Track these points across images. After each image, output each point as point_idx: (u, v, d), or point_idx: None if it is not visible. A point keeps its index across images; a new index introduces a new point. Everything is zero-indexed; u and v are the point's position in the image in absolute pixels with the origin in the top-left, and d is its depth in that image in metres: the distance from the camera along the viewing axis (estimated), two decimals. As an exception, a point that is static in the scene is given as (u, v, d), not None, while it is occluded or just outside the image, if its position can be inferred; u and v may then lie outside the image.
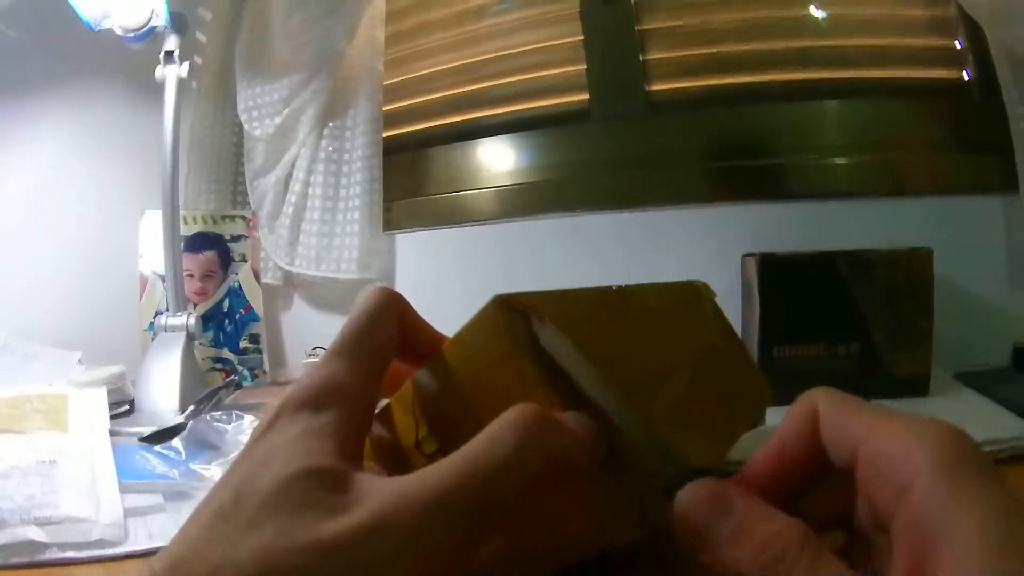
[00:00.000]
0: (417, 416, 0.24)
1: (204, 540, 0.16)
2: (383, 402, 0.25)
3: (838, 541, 0.18)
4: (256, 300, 0.96)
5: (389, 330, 0.23)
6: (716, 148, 0.87)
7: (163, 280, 0.89)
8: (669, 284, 0.33)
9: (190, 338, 0.79)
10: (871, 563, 0.16)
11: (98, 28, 0.76)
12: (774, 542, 0.15)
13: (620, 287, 0.28)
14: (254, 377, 0.95)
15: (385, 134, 0.96)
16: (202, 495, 0.20)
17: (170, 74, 0.78)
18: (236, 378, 0.92)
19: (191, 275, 0.94)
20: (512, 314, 0.22)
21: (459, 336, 0.23)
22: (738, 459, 0.25)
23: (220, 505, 0.17)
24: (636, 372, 0.24)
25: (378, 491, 0.17)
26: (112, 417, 0.61)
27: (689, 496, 0.17)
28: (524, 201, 0.92)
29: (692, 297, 0.34)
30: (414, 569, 0.16)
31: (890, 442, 0.15)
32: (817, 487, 0.19)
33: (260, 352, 0.96)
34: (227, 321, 0.95)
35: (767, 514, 0.16)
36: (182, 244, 0.85)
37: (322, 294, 1.00)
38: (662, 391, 0.25)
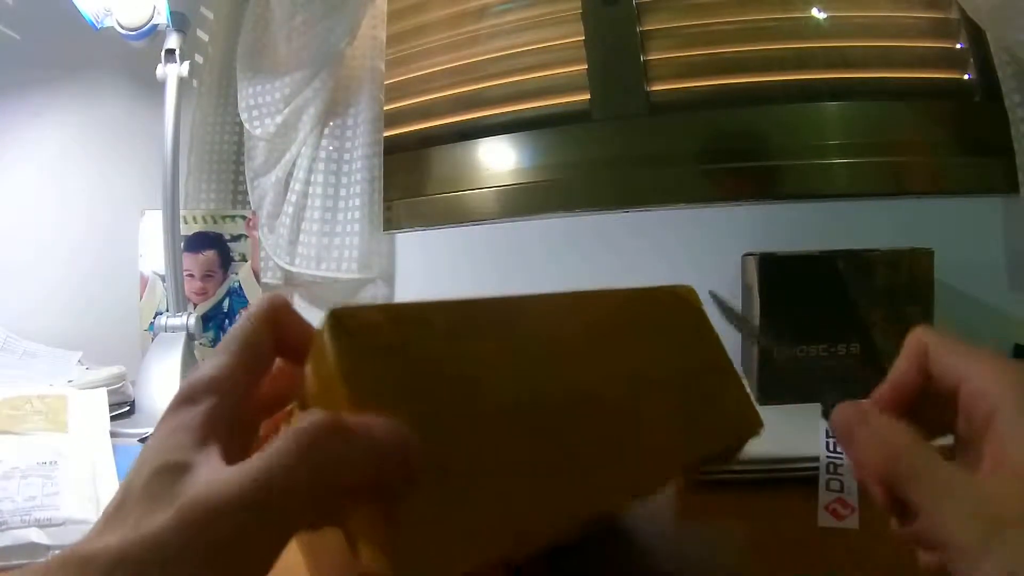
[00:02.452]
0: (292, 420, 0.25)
1: (96, 533, 0.19)
2: None
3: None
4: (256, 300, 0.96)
5: (262, 330, 0.25)
6: (716, 149, 0.87)
7: (163, 280, 0.89)
8: (648, 289, 0.30)
9: (190, 338, 0.78)
10: (968, 456, 0.23)
11: (100, 26, 0.76)
12: (896, 444, 0.22)
13: (578, 292, 0.27)
14: (254, 377, 0.95)
15: (385, 134, 0.96)
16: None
17: (171, 73, 0.78)
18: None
19: (191, 275, 0.94)
20: (339, 331, 0.22)
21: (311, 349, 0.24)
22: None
23: (115, 502, 0.20)
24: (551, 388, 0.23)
25: (193, 488, 0.19)
26: (112, 418, 0.61)
27: (840, 412, 0.24)
28: (524, 201, 0.92)
29: (673, 306, 0.31)
30: (213, 563, 0.18)
31: (983, 382, 0.22)
32: (931, 404, 0.25)
33: (260, 352, 0.96)
34: (227, 321, 0.95)
35: (892, 424, 0.23)
36: (182, 244, 0.85)
37: (322, 294, 1.00)
38: (585, 415, 0.24)
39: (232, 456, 0.20)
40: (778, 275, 0.67)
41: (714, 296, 0.33)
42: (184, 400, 0.22)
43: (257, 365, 0.25)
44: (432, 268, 0.97)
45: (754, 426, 0.33)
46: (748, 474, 0.43)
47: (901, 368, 0.26)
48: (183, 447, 0.20)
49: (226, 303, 0.96)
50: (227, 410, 0.22)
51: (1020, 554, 0.18)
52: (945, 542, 0.20)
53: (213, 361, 0.24)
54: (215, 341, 0.95)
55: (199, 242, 0.95)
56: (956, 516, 0.20)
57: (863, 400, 0.25)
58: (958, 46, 0.82)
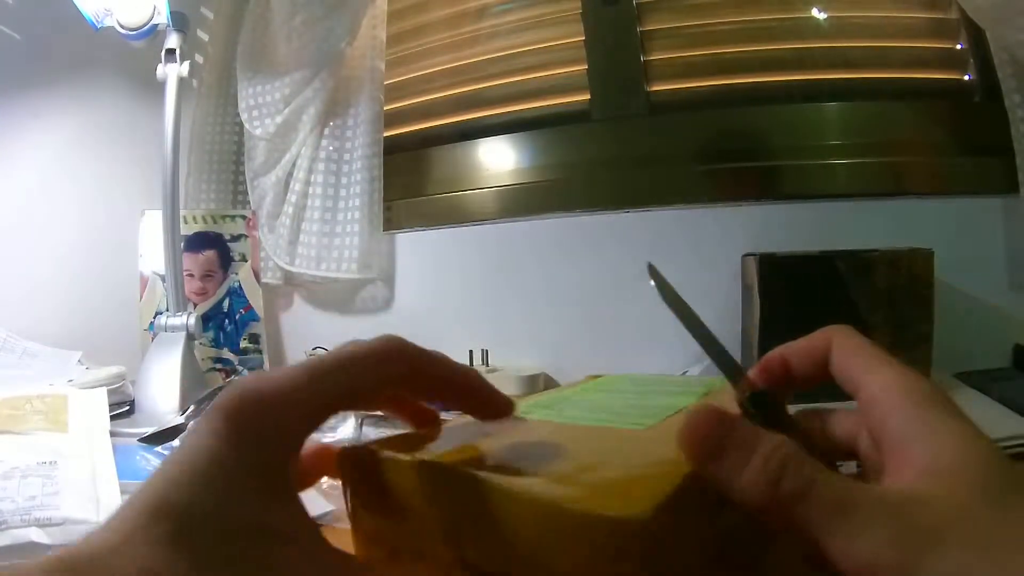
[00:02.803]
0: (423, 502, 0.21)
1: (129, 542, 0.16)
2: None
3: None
4: (256, 300, 0.96)
5: (370, 375, 0.22)
6: (716, 149, 0.87)
7: (163, 280, 0.89)
8: None
9: (190, 338, 0.78)
10: (871, 473, 0.21)
11: (100, 26, 0.76)
12: (774, 455, 0.18)
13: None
14: (254, 377, 0.95)
15: (385, 134, 0.96)
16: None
17: (171, 73, 0.78)
18: (236, 378, 0.92)
19: (191, 275, 0.94)
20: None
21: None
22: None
23: (146, 509, 0.17)
24: None
25: None
26: (112, 417, 0.61)
27: (696, 421, 0.19)
28: (524, 201, 0.92)
29: None
30: None
31: (880, 387, 0.21)
32: (831, 424, 0.24)
33: (260, 352, 0.96)
34: (227, 321, 0.95)
35: (765, 433, 0.19)
36: (182, 244, 0.85)
37: (322, 294, 1.00)
38: None
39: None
40: (778, 275, 0.67)
41: (653, 272, 0.28)
42: (231, 415, 0.18)
43: (336, 406, 0.21)
44: (432, 268, 0.97)
45: None
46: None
47: (795, 350, 0.24)
48: (256, 496, 0.18)
49: (226, 303, 0.96)
50: (282, 461, 0.19)
51: (964, 570, 0.15)
52: (859, 569, 0.16)
53: (292, 378, 0.20)
54: (215, 341, 0.95)
55: (199, 242, 0.95)
56: (870, 537, 0.16)
57: (715, 405, 0.20)
58: (958, 46, 0.82)
